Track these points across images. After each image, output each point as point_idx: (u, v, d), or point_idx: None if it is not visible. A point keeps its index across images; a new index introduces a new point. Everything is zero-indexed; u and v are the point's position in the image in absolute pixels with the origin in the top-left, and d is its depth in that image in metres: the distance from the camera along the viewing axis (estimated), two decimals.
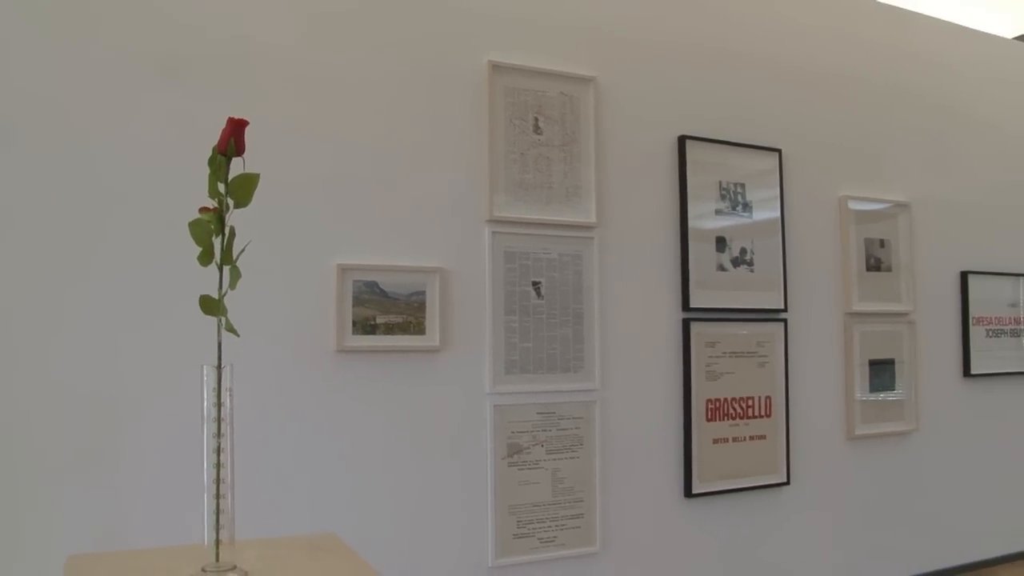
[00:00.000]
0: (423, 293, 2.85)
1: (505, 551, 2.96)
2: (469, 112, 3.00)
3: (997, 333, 4.52)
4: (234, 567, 1.24)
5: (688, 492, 3.36)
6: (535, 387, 3.04)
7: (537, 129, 3.10)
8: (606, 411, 3.20)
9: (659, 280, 3.38)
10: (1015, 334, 4.60)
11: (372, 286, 2.77)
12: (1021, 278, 4.65)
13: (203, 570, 1.23)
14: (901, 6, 4.37)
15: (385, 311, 2.79)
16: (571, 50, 3.24)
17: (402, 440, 2.82)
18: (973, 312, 4.41)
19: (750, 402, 3.54)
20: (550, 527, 3.05)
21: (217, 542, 1.24)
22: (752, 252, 3.58)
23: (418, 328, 2.84)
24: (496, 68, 3.03)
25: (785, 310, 3.67)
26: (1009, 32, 5.42)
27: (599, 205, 3.20)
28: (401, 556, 2.78)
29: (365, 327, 2.75)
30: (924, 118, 4.33)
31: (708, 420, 3.42)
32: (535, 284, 3.06)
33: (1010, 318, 4.58)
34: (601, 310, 3.19)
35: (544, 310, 3.07)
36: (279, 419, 2.63)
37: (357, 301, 2.75)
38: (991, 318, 4.49)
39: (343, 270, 2.73)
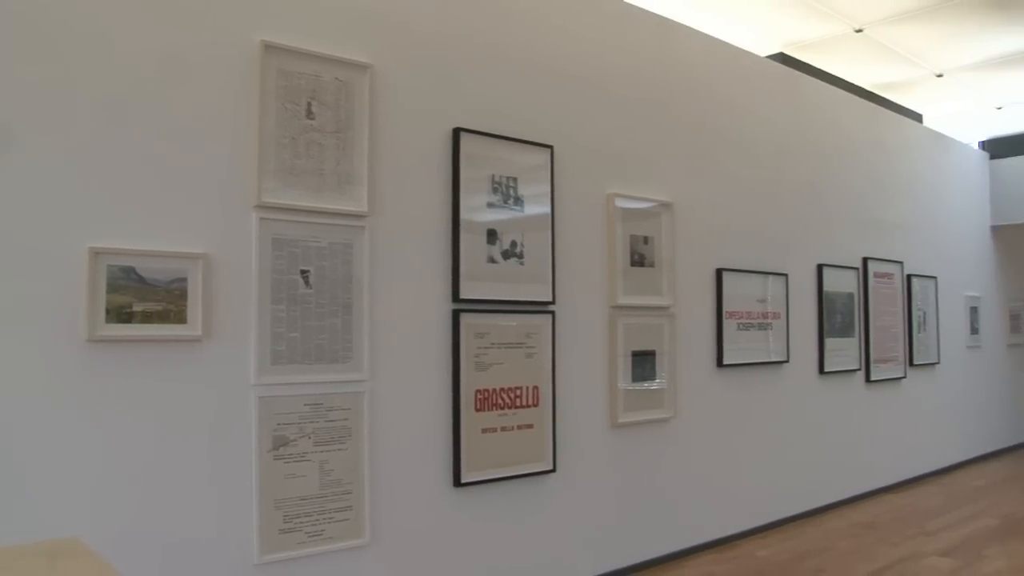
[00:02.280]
0: (185, 280, 2.73)
1: (271, 547, 2.88)
2: (238, 92, 2.89)
3: (747, 326, 4.89)
4: None
5: (457, 481, 3.41)
6: (302, 378, 2.98)
7: (310, 114, 3.04)
8: (375, 402, 3.18)
9: (430, 271, 3.40)
10: (762, 327, 5.00)
11: (128, 272, 2.62)
12: (769, 276, 5.07)
13: None
14: (670, 17, 4.63)
15: (143, 298, 2.64)
16: (348, 36, 3.19)
17: (159, 434, 2.68)
18: (726, 307, 4.76)
19: (518, 392, 3.64)
20: (318, 520, 3.00)
21: None
22: (522, 245, 3.68)
23: (179, 317, 2.71)
24: (269, 48, 2.93)
25: (553, 302, 3.80)
26: (763, 50, 5.88)
27: (371, 194, 3.18)
28: (158, 558, 2.65)
29: (120, 315, 2.59)
30: (686, 124, 4.62)
31: (477, 410, 3.48)
32: (304, 273, 2.99)
33: (758, 313, 4.98)
34: (371, 300, 3.18)
35: (313, 299, 3.01)
36: (19, 415, 2.43)
37: (111, 287, 2.58)
38: (742, 312, 4.86)
39: (96, 254, 2.56)
